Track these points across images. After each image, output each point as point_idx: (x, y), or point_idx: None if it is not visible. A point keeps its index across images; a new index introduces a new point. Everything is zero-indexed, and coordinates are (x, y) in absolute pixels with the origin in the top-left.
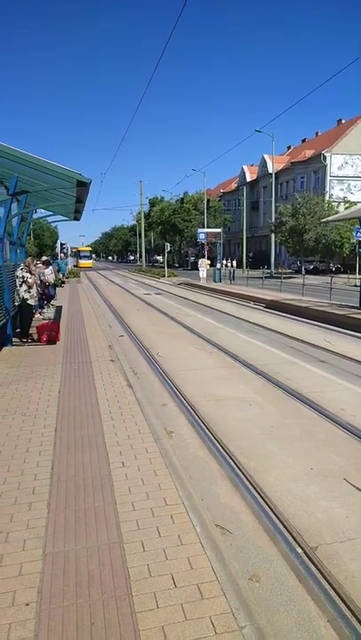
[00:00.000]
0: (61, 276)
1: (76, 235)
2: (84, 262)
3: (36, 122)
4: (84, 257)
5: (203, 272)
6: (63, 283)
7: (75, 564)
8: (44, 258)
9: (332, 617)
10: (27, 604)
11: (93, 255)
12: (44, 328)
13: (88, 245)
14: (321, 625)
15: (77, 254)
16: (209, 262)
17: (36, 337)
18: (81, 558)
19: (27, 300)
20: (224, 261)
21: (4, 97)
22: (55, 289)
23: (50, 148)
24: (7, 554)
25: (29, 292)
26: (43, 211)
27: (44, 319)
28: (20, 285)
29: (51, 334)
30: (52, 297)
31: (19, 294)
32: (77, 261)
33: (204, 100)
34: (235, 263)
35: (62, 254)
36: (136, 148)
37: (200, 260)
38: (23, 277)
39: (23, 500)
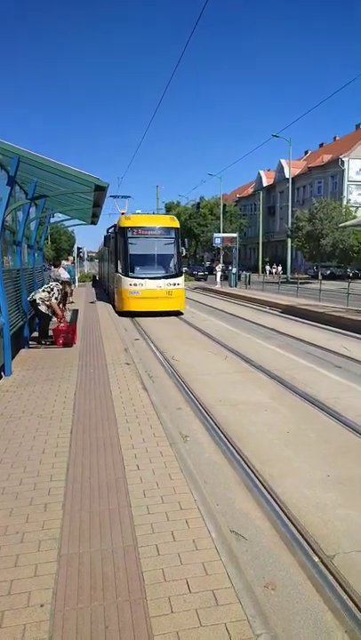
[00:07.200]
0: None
1: (91, 238)
2: (143, 296)
3: (52, 126)
4: (147, 269)
5: (218, 276)
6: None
7: (89, 566)
8: (65, 262)
9: (350, 628)
10: (41, 606)
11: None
12: (60, 331)
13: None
14: (338, 636)
15: (120, 237)
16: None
17: (52, 339)
18: (96, 561)
19: (38, 304)
20: (268, 267)
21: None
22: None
23: (67, 152)
24: (23, 554)
25: (43, 301)
26: (60, 215)
27: (63, 325)
28: (43, 291)
29: (67, 337)
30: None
31: (35, 294)
32: (119, 281)
33: (221, 105)
34: (280, 268)
35: (71, 257)
36: (153, 153)
37: (217, 266)
38: (52, 289)
39: (39, 501)
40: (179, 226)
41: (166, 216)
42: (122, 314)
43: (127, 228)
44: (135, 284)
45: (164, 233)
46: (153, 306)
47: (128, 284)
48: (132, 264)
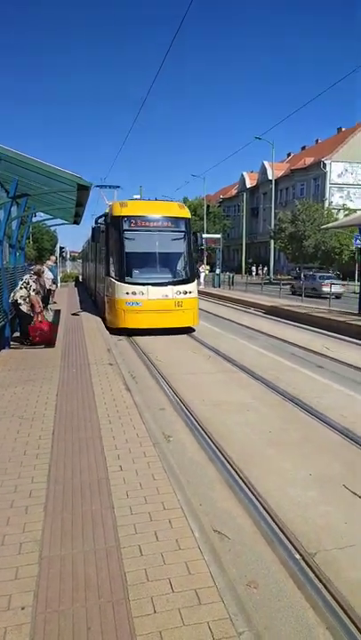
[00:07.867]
0: (54, 286)
1: (73, 239)
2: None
3: (37, 125)
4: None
5: (202, 277)
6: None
7: (71, 567)
8: (49, 262)
9: (331, 624)
10: (22, 608)
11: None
12: (36, 329)
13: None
14: (320, 632)
15: (113, 229)
16: (208, 267)
17: (35, 339)
18: (78, 562)
19: (20, 304)
20: (253, 268)
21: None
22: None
23: (50, 151)
24: (3, 557)
25: (24, 299)
26: (42, 214)
27: (40, 321)
28: (21, 288)
29: (42, 334)
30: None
31: (15, 294)
32: (112, 288)
33: (205, 106)
34: (265, 269)
35: (53, 257)
36: (136, 154)
37: (200, 267)
38: (27, 283)
39: (20, 504)
40: (190, 216)
41: (173, 203)
42: (116, 331)
43: (123, 217)
44: (134, 293)
45: (172, 225)
46: (157, 321)
47: (124, 292)
48: (130, 266)
